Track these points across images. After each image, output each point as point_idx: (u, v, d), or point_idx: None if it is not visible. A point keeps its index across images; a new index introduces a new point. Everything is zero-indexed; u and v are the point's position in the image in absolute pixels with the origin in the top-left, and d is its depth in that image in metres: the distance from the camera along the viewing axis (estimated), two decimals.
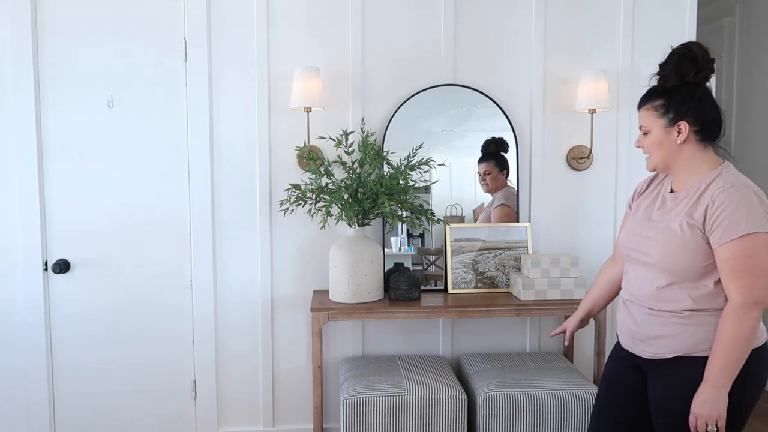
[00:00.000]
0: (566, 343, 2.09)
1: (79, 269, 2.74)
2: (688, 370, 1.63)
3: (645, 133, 1.71)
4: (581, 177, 2.90)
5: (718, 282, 1.60)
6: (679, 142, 1.65)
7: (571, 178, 2.90)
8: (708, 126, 1.65)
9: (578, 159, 2.87)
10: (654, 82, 1.72)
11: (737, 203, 1.54)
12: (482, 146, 2.83)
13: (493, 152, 2.84)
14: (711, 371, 1.56)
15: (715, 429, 1.54)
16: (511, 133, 2.82)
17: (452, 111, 2.84)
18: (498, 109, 2.80)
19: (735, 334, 1.54)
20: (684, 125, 1.64)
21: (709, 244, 1.58)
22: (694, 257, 1.59)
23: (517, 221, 2.85)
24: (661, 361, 1.68)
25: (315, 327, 2.51)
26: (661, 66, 1.68)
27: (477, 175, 2.85)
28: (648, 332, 1.70)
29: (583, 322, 2.07)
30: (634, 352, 1.76)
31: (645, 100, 1.71)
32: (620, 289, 1.97)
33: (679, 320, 1.64)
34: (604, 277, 2.01)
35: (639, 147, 1.75)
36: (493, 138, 2.83)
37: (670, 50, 1.68)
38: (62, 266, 2.70)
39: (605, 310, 2.59)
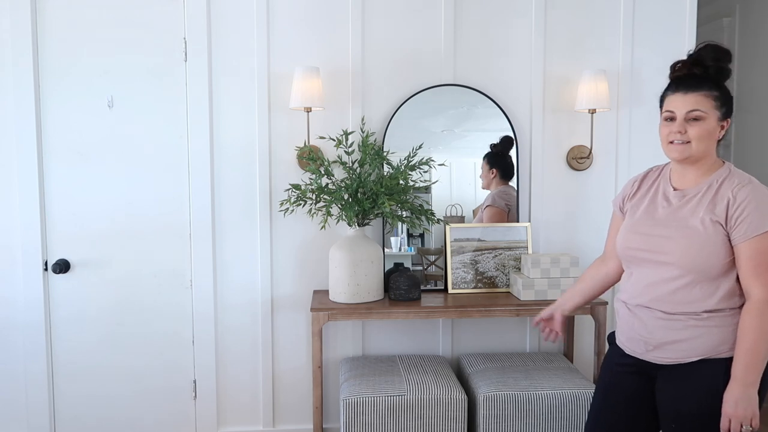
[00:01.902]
0: (554, 340, 1.97)
1: (79, 269, 2.74)
2: (709, 373, 1.59)
3: (697, 119, 1.61)
4: (581, 177, 2.90)
5: (736, 280, 1.59)
6: (719, 137, 1.64)
7: (571, 178, 2.90)
8: (728, 129, 1.67)
9: (578, 159, 2.87)
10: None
11: (760, 199, 1.54)
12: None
13: (491, 151, 2.84)
14: (738, 370, 1.53)
15: (750, 429, 1.51)
16: (511, 133, 2.82)
17: (452, 111, 2.84)
18: (498, 109, 2.80)
19: (761, 330, 1.52)
20: (727, 123, 1.64)
21: (729, 240, 1.57)
22: (717, 254, 1.58)
23: (517, 221, 2.85)
24: (678, 365, 1.64)
25: (315, 327, 2.50)
26: (719, 57, 1.64)
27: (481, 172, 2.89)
28: (663, 338, 1.64)
29: (566, 318, 1.98)
30: (646, 360, 1.70)
31: (699, 86, 1.62)
32: (606, 288, 1.94)
33: (697, 322, 1.60)
34: (593, 273, 1.94)
35: (680, 133, 1.62)
36: (500, 138, 2.84)
37: (703, 44, 1.65)
38: (62, 266, 2.70)
39: (605, 309, 2.60)
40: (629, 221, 1.77)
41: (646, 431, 1.76)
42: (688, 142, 1.62)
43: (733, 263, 1.58)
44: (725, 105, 1.63)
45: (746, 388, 1.52)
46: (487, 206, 2.86)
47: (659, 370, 1.69)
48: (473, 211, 2.90)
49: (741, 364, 1.53)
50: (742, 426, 1.52)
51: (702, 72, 1.64)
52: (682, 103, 1.62)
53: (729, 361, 1.57)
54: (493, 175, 2.85)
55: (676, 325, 1.62)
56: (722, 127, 1.64)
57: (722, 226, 1.57)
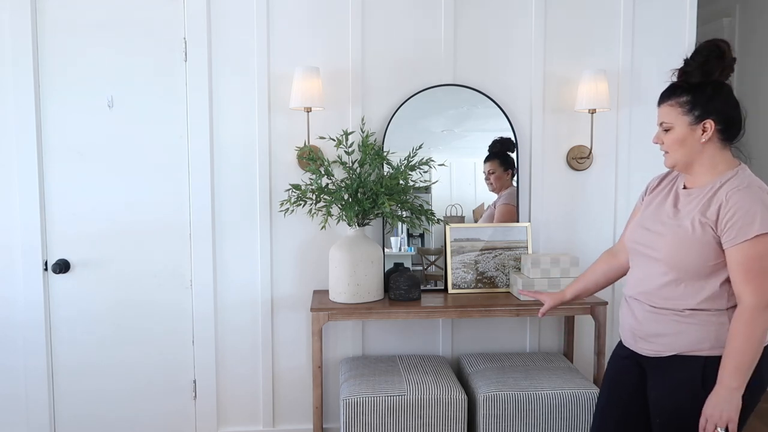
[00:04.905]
0: (540, 316, 2.12)
1: (79, 269, 2.74)
2: (685, 369, 1.63)
3: (666, 130, 1.67)
4: (581, 177, 2.90)
5: (724, 283, 1.59)
6: (703, 140, 1.63)
7: (571, 178, 2.90)
8: (731, 126, 1.64)
9: (578, 159, 2.87)
10: (671, 79, 1.69)
11: (751, 204, 1.54)
12: (489, 146, 2.84)
13: (498, 152, 2.84)
14: (724, 373, 1.55)
15: (724, 431, 1.53)
16: (512, 133, 2.82)
17: (452, 111, 2.84)
18: (498, 109, 2.80)
19: (749, 336, 1.52)
20: (710, 124, 1.62)
21: (719, 243, 1.57)
22: (703, 255, 1.59)
23: (518, 221, 2.85)
24: (660, 359, 1.68)
25: (315, 327, 2.51)
26: (687, 62, 1.65)
27: (483, 174, 2.86)
28: (648, 330, 1.70)
29: (562, 304, 2.10)
30: (634, 350, 1.76)
31: (668, 96, 1.67)
32: (612, 281, 2.00)
33: (679, 319, 1.64)
34: (602, 265, 2.01)
35: (657, 143, 1.71)
36: (500, 138, 2.83)
37: (696, 46, 1.65)
38: (62, 266, 2.70)
39: (605, 309, 2.60)
40: (641, 215, 1.81)
41: (648, 423, 1.78)
42: (667, 151, 1.69)
43: (722, 265, 1.58)
44: (698, 107, 1.62)
45: (729, 392, 1.54)
46: (504, 203, 2.85)
47: (648, 362, 1.73)
48: (473, 211, 2.89)
49: (726, 369, 1.55)
50: (716, 427, 1.53)
51: (684, 79, 1.66)
52: (658, 114, 1.70)
53: (707, 359, 1.60)
54: (508, 176, 2.85)
55: (661, 319, 1.67)
56: (704, 130, 1.63)
57: (712, 228, 1.58)
